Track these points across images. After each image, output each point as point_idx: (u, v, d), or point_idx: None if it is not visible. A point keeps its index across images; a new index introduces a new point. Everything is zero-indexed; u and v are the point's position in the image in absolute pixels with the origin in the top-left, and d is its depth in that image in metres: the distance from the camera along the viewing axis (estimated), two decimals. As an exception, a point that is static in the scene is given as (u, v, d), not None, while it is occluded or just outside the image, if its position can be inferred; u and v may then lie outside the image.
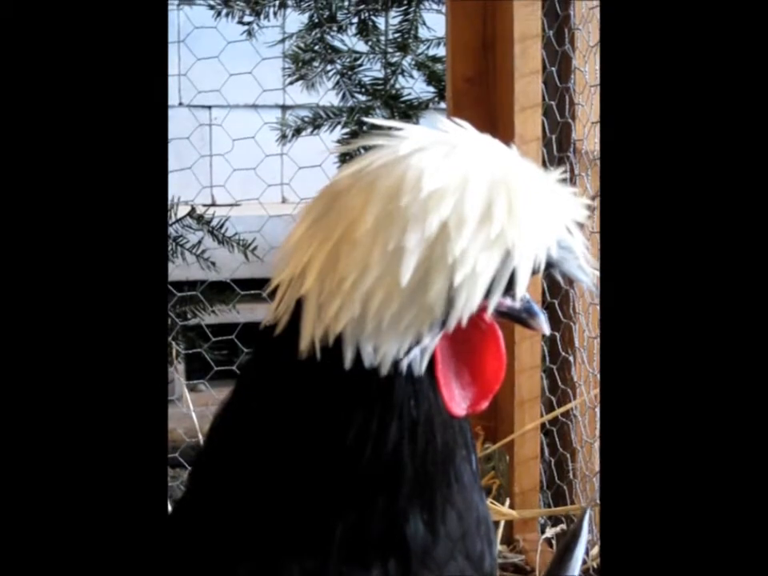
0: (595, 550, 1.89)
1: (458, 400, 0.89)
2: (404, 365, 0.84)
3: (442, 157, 0.85)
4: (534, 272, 0.85)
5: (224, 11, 2.99)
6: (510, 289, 0.85)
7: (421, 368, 0.85)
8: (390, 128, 0.89)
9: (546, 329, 0.91)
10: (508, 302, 0.88)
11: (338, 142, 3.03)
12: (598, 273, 0.89)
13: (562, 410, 2.04)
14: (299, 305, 0.86)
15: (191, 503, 0.95)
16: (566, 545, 1.23)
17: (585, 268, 0.88)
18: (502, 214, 0.83)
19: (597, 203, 0.89)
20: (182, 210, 2.83)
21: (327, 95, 3.07)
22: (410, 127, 0.89)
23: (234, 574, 0.87)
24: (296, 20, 3.14)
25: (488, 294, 0.84)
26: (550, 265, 0.87)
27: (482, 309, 0.86)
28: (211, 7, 3.01)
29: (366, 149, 0.89)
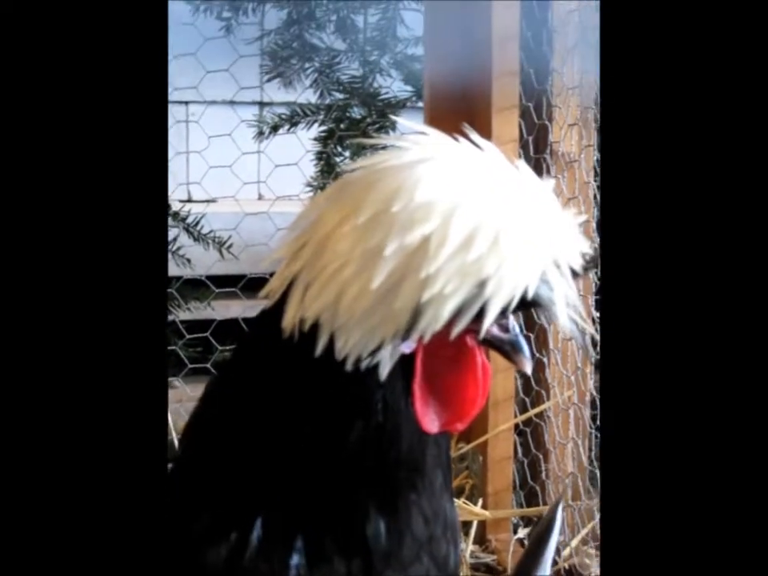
0: (567, 551, 1.90)
1: (431, 417, 0.89)
2: (374, 367, 0.85)
3: (444, 170, 0.84)
4: (507, 308, 0.83)
5: (202, 8, 2.98)
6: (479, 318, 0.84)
7: (383, 374, 0.85)
8: (416, 132, 0.89)
9: (528, 367, 0.91)
10: (495, 330, 0.88)
11: (315, 139, 3.03)
12: (577, 315, 0.87)
13: (536, 410, 2.04)
14: (290, 287, 0.87)
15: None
16: (538, 537, 1.24)
17: (565, 314, 0.85)
18: (485, 243, 0.82)
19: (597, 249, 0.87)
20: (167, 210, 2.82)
21: (305, 93, 3.06)
22: (433, 134, 0.89)
23: (200, 560, 0.88)
24: (274, 17, 3.13)
25: (456, 317, 0.83)
26: (533, 303, 0.85)
27: (469, 331, 0.86)
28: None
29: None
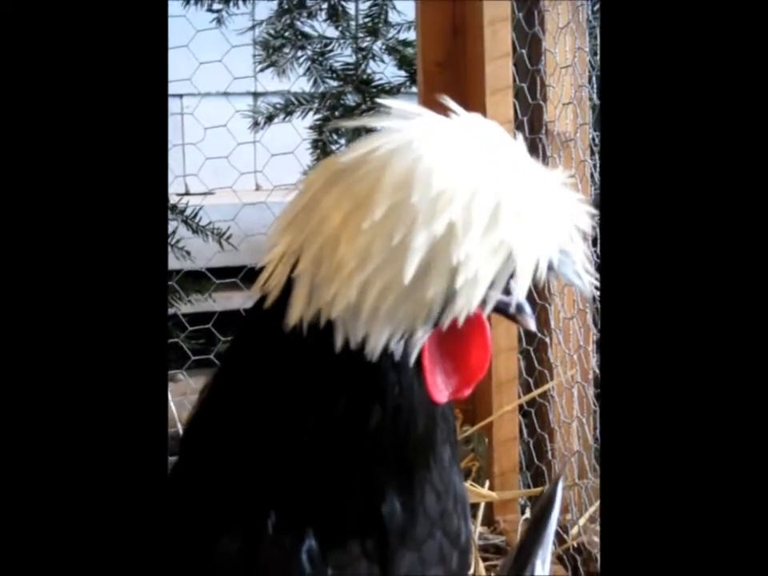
0: (575, 530, 1.90)
1: (440, 387, 0.90)
2: (392, 353, 0.85)
3: (452, 150, 0.84)
4: (535, 277, 0.85)
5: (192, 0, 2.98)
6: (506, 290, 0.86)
7: (411, 359, 0.86)
8: (400, 110, 0.88)
9: (533, 325, 0.92)
10: (499, 294, 0.89)
11: (311, 128, 3.03)
12: (593, 278, 0.89)
13: (540, 390, 2.05)
14: (290, 281, 0.86)
15: (174, 483, 0.96)
16: (538, 515, 1.24)
17: (581, 274, 0.88)
18: (509, 219, 0.83)
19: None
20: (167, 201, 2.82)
21: (298, 81, 3.06)
22: (421, 111, 0.89)
23: (215, 549, 0.88)
24: (265, 7, 3.13)
25: (488, 296, 0.85)
26: (549, 269, 0.87)
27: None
28: (180, -5, 3.00)
29: (368, 130, 0.88)
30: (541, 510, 1.22)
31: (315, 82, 3.06)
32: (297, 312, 0.85)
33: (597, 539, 1.85)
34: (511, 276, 0.85)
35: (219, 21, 3.02)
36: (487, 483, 2.02)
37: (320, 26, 3.12)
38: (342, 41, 3.09)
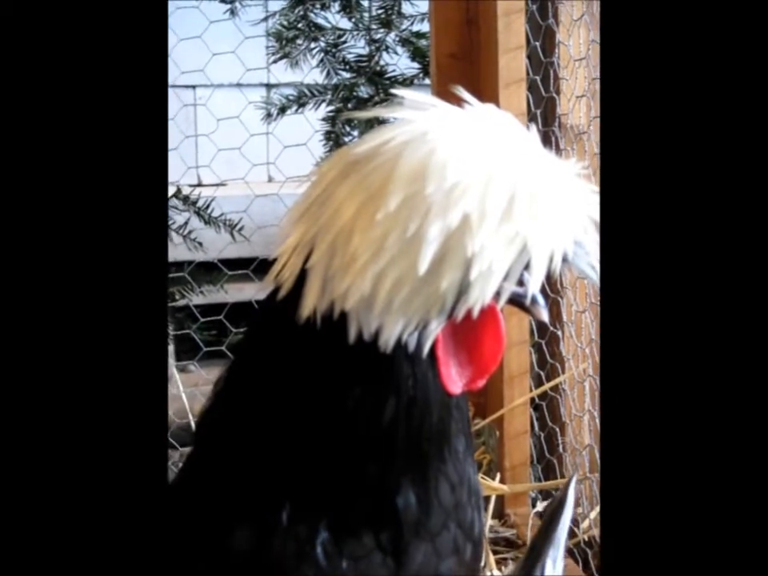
0: (586, 523, 1.90)
1: (454, 378, 0.90)
2: (405, 344, 0.85)
3: (466, 141, 0.84)
4: (549, 269, 0.85)
5: (206, -10, 2.97)
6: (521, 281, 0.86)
7: (425, 351, 0.86)
8: (414, 101, 0.88)
9: (546, 316, 0.92)
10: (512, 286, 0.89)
11: (323, 119, 3.03)
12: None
13: (551, 384, 2.05)
14: (303, 273, 0.86)
15: (187, 475, 0.97)
16: (551, 515, 1.24)
17: (595, 266, 0.88)
18: (523, 211, 0.83)
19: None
20: (168, 191, 2.82)
21: (311, 73, 3.06)
22: (434, 102, 0.88)
23: (229, 541, 0.88)
24: (279, -2, 3.13)
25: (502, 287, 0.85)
26: (563, 260, 0.87)
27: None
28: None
29: (381, 121, 0.88)
30: (553, 509, 1.22)
31: (328, 73, 3.06)
32: (310, 304, 0.85)
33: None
34: (525, 267, 0.85)
35: (232, 12, 3.02)
36: (498, 476, 2.03)
37: (333, 18, 3.11)
38: (355, 32, 3.09)
